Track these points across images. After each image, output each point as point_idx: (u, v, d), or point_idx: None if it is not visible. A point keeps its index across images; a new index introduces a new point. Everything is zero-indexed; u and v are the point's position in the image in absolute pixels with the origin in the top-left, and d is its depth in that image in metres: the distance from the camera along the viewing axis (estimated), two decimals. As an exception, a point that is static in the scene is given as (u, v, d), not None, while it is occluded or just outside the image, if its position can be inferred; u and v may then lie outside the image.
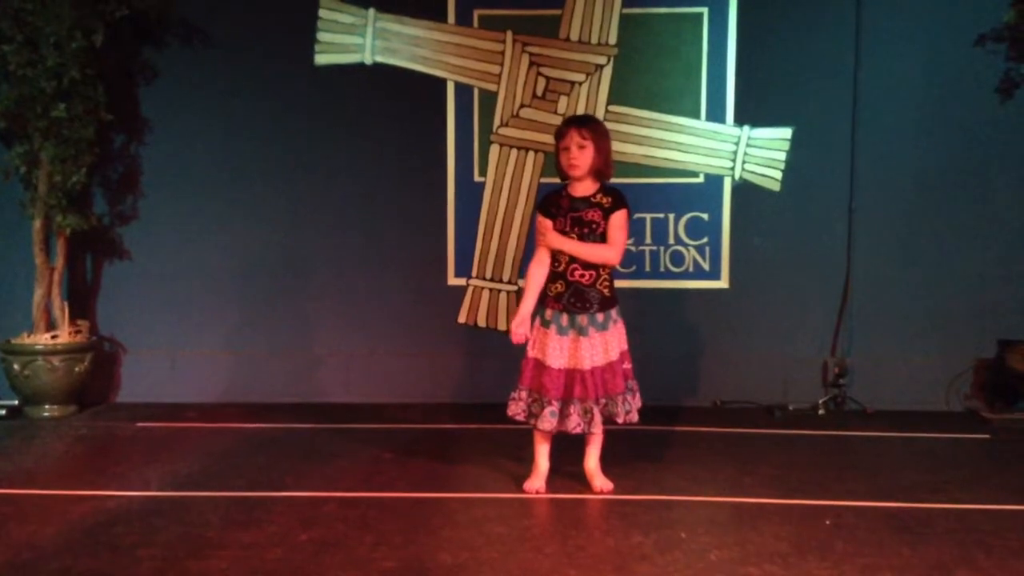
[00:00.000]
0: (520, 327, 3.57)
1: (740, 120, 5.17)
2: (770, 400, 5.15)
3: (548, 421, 3.50)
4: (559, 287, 3.53)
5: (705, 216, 5.25)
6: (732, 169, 5.21)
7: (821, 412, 5.06)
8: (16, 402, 4.98)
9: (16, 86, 4.69)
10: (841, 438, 4.61)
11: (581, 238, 3.53)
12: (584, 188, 3.56)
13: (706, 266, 5.26)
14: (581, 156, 3.51)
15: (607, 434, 3.66)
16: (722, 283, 5.26)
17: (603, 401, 3.53)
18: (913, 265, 5.17)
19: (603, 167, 3.55)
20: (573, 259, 3.52)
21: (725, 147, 5.20)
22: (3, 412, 4.91)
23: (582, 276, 3.53)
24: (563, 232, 3.54)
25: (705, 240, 5.25)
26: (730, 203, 5.23)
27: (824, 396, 5.15)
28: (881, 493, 3.61)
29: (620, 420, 3.55)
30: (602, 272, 3.55)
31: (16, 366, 4.86)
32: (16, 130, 4.82)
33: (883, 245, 5.18)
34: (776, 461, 4.09)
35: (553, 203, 3.60)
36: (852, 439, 4.60)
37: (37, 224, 4.92)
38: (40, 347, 4.87)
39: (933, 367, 5.16)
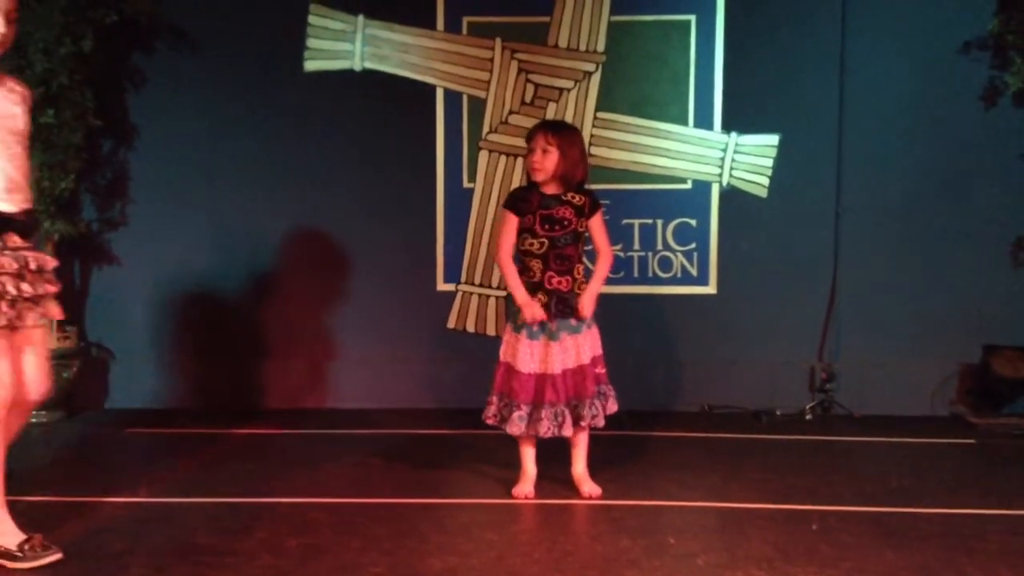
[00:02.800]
0: (530, 307, 3.51)
1: (728, 127, 5.21)
2: (758, 405, 5.17)
3: (516, 425, 3.52)
4: (541, 298, 3.53)
5: (693, 222, 5.27)
6: (720, 175, 5.24)
7: (808, 417, 5.10)
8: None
9: (3, 92, 4.69)
10: (828, 443, 4.64)
11: (551, 237, 3.52)
12: (554, 188, 3.56)
13: (694, 272, 5.29)
14: (544, 160, 3.50)
15: (594, 439, 3.68)
16: (710, 289, 5.29)
17: (574, 403, 3.54)
18: (899, 270, 5.21)
19: (569, 173, 3.53)
20: (547, 267, 3.52)
21: (713, 153, 5.23)
22: None
23: (560, 283, 3.53)
24: (531, 230, 3.52)
25: (693, 246, 5.28)
26: (718, 209, 5.26)
27: (811, 401, 5.18)
28: (867, 498, 3.63)
29: (584, 423, 3.55)
30: (577, 276, 3.56)
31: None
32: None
33: (870, 250, 5.22)
34: (763, 466, 4.12)
35: (522, 199, 3.57)
36: (838, 444, 4.63)
37: (25, 230, 4.91)
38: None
39: (919, 372, 5.20)
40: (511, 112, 5.28)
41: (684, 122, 5.23)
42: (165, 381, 5.33)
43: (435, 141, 5.31)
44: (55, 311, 2.97)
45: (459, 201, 5.33)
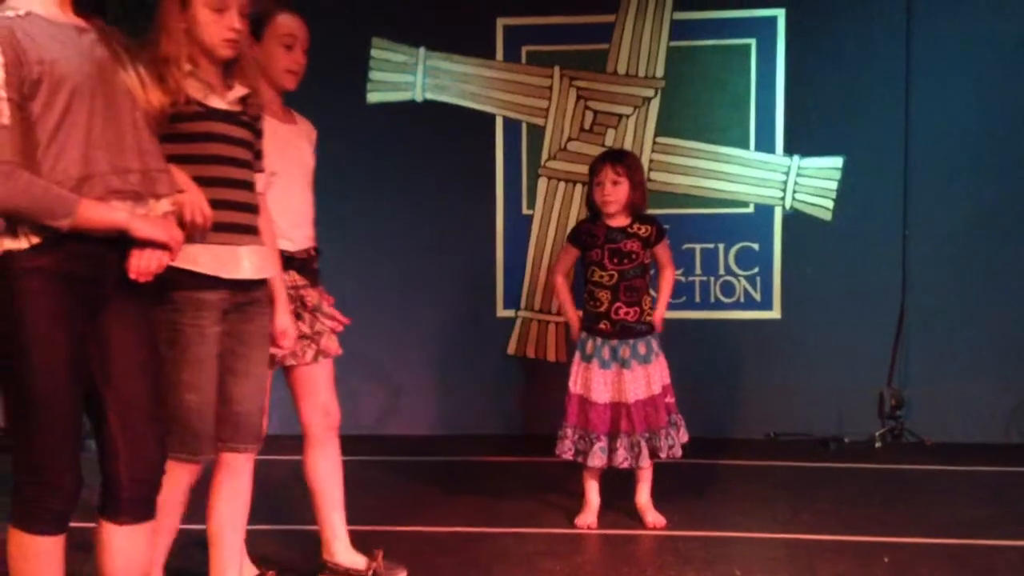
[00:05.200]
0: (574, 325, 3.65)
1: (790, 150, 5.15)
2: (825, 432, 5.07)
3: (598, 458, 3.49)
4: (605, 327, 3.53)
5: (756, 246, 5.22)
6: (782, 199, 5.18)
7: (878, 445, 4.97)
8: None
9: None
10: (899, 472, 4.52)
11: (620, 270, 3.53)
12: (619, 220, 3.57)
13: (757, 296, 5.22)
14: (616, 192, 3.53)
15: (658, 468, 3.64)
16: (774, 313, 5.22)
17: (647, 435, 3.51)
18: (970, 292, 5.08)
19: (638, 201, 3.56)
20: (616, 298, 3.52)
21: (775, 177, 5.18)
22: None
23: (627, 314, 3.53)
24: (599, 264, 3.54)
25: (756, 270, 5.22)
26: (781, 233, 5.19)
27: (881, 428, 5.06)
28: (940, 529, 3.53)
29: (663, 455, 3.52)
30: (645, 307, 3.55)
31: None
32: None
33: (938, 273, 5.10)
34: (832, 496, 4.03)
35: (588, 232, 3.61)
36: (910, 473, 4.51)
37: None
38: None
39: (992, 397, 5.05)
40: (570, 139, 5.29)
41: (745, 146, 5.19)
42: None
43: (494, 169, 5.35)
44: (334, 348, 2.96)
45: (518, 227, 5.36)
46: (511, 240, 5.37)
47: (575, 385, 3.58)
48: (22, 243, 1.94)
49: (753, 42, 5.15)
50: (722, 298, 5.25)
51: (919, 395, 5.10)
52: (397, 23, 5.28)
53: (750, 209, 5.22)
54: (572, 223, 5.30)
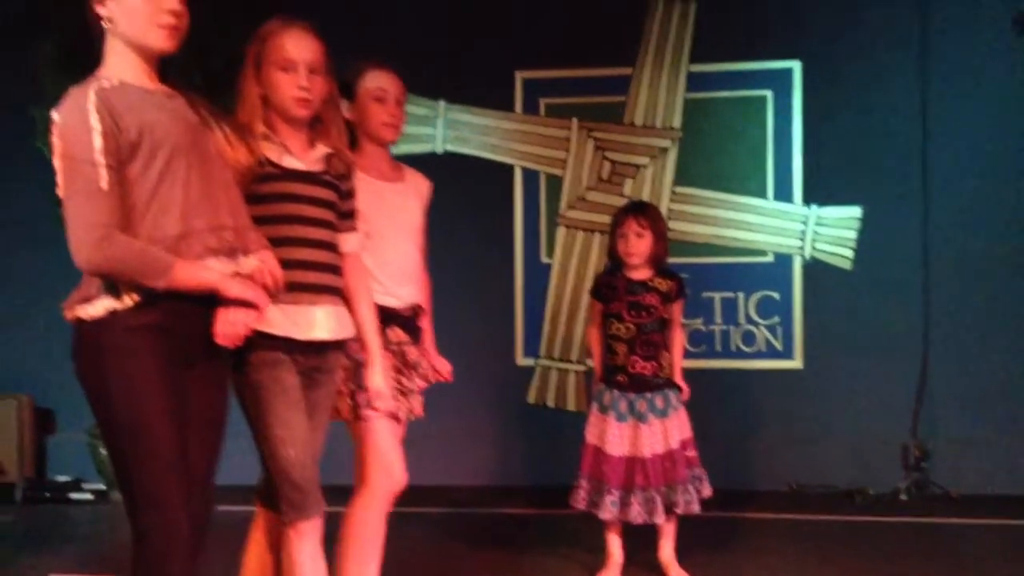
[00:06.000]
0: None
1: (808, 199, 5.16)
2: (849, 484, 5.00)
3: (608, 510, 3.45)
4: (621, 379, 3.51)
5: (776, 295, 5.20)
6: (802, 248, 5.18)
7: (903, 497, 4.90)
8: (103, 486, 5.08)
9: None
10: (925, 525, 4.45)
11: (638, 324, 3.52)
12: (641, 272, 3.57)
13: (778, 346, 5.20)
14: (639, 244, 3.53)
15: (681, 522, 3.59)
16: (795, 363, 5.19)
17: (664, 490, 3.47)
18: (993, 341, 5.03)
19: (661, 253, 3.57)
20: (632, 352, 3.51)
21: (793, 226, 5.18)
22: (91, 496, 5.02)
23: (644, 368, 3.51)
24: (617, 316, 3.54)
25: (777, 319, 5.20)
26: (801, 282, 5.18)
27: (905, 480, 4.99)
28: (971, 587, 3.47)
29: (679, 510, 3.47)
30: (663, 361, 3.54)
31: (102, 450, 4.97)
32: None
33: (961, 322, 5.06)
34: (858, 550, 3.96)
35: (608, 285, 3.61)
36: (937, 526, 4.43)
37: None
38: (123, 432, 4.99)
39: (1018, 448, 4.97)
40: (588, 189, 5.33)
41: (763, 195, 5.20)
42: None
43: (513, 218, 5.38)
44: (419, 408, 2.93)
45: (537, 276, 5.38)
46: (530, 288, 5.38)
47: (591, 436, 3.56)
48: (123, 302, 2.00)
49: (769, 93, 5.19)
50: (743, 347, 5.23)
51: (944, 446, 5.03)
52: (418, 77, 5.32)
53: (769, 258, 5.22)
54: (591, 271, 5.33)
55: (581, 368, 5.30)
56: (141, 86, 2.10)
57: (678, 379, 3.58)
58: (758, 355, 5.21)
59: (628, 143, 5.29)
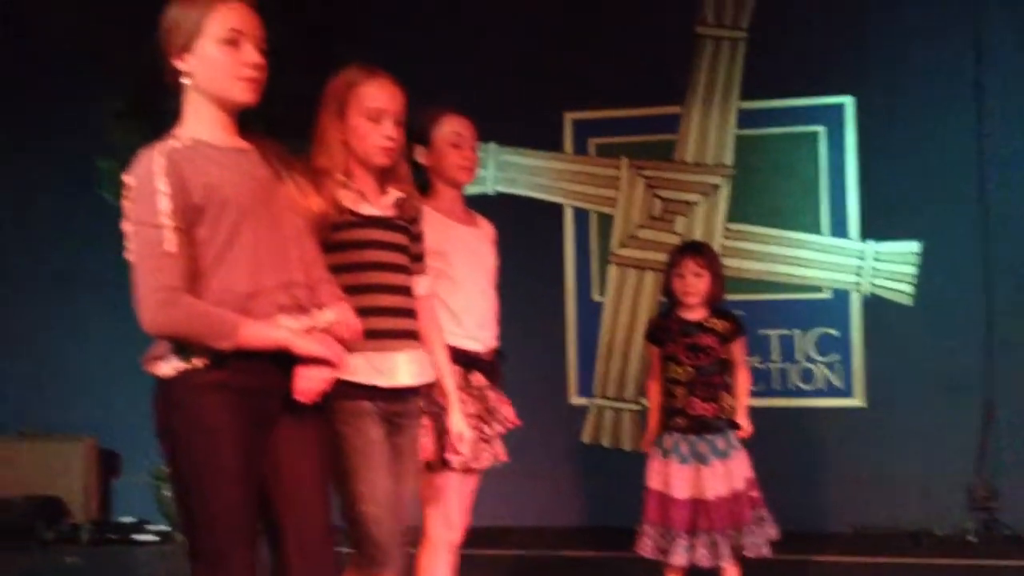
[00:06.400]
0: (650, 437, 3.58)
1: (865, 234, 5.09)
2: (914, 525, 4.86)
3: (680, 556, 3.39)
4: (681, 422, 3.48)
5: (834, 332, 5.12)
6: (859, 284, 5.10)
7: (970, 538, 4.75)
8: (167, 528, 5.15)
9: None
10: (995, 569, 4.31)
11: (696, 366, 3.48)
12: (697, 313, 3.54)
13: (838, 383, 5.10)
14: (697, 284, 3.51)
15: (743, 565, 3.52)
16: (856, 401, 5.09)
17: (730, 533, 3.41)
18: (1062, 376, 4.89)
19: (717, 293, 3.55)
20: (692, 394, 3.47)
21: (850, 262, 5.11)
22: (155, 538, 5.10)
23: (704, 410, 3.47)
24: (674, 358, 3.51)
25: (836, 357, 5.11)
26: (860, 318, 5.10)
27: (972, 520, 4.83)
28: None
29: (749, 553, 3.41)
30: (723, 403, 3.50)
31: (166, 492, 5.04)
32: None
33: (1027, 356, 4.93)
34: (925, 595, 3.85)
35: (662, 328, 3.59)
36: (1006, 569, 4.29)
37: (189, 357, 5.17)
38: (186, 473, 5.06)
39: (1094, 487, 4.80)
40: (639, 226, 5.32)
41: (818, 231, 5.15)
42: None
43: (564, 257, 5.39)
44: (502, 453, 2.90)
45: (589, 314, 5.37)
46: (582, 327, 5.38)
47: (654, 481, 3.51)
48: (192, 363, 2.01)
49: (822, 129, 5.15)
50: (802, 385, 5.15)
51: (1012, 485, 4.87)
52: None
53: (826, 294, 5.15)
54: (644, 309, 5.30)
55: (636, 407, 5.26)
56: (214, 143, 2.10)
57: (741, 418, 3.53)
58: (818, 393, 5.13)
59: (679, 180, 5.28)
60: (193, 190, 2.01)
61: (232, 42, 2.08)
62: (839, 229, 5.13)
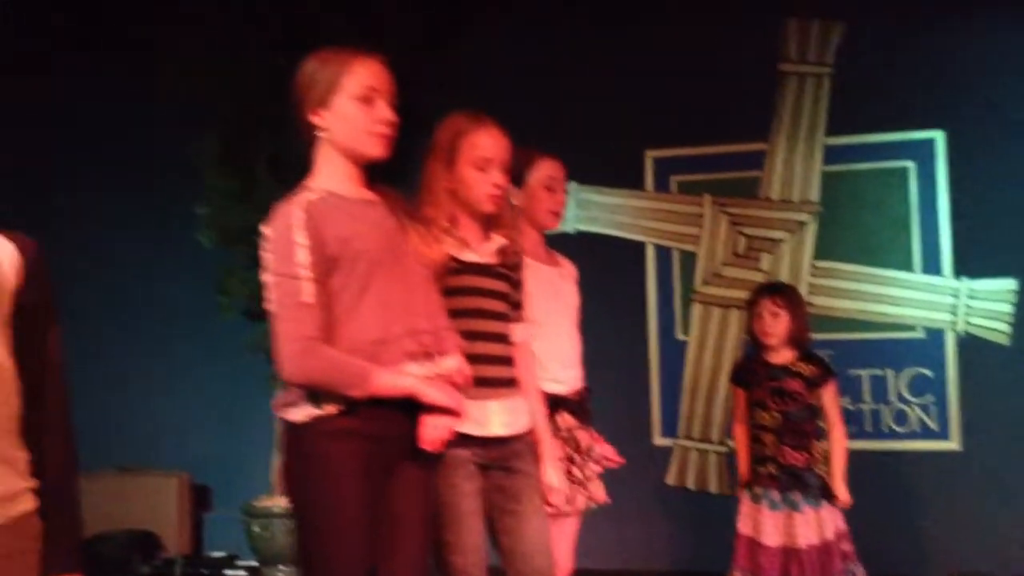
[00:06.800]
0: (743, 481, 3.52)
1: (959, 272, 4.93)
2: (1012, 572, 4.63)
3: (770, 603, 3.32)
4: (771, 469, 3.41)
5: (928, 372, 4.95)
6: (953, 322, 4.94)
7: (1082, 590, 4.51)
8: (256, 563, 5.23)
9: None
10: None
11: (784, 411, 3.41)
12: (782, 355, 3.48)
13: (933, 426, 4.92)
14: (775, 324, 3.46)
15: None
16: (952, 444, 4.90)
17: None
18: None
19: (800, 334, 3.47)
20: (782, 440, 3.40)
21: (943, 300, 4.95)
22: (245, 573, 5.19)
23: (796, 459, 3.39)
24: (761, 404, 3.44)
25: (930, 398, 4.94)
26: (955, 358, 4.92)
27: (1083, 570, 4.59)
28: None
29: None
30: (816, 453, 3.41)
31: (256, 528, 5.13)
32: (262, 309, 5.23)
33: None
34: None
35: (748, 370, 3.54)
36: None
37: (278, 394, 5.28)
38: (278, 509, 5.12)
39: None
40: (723, 264, 5.26)
41: (909, 268, 5.00)
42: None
43: (646, 295, 5.36)
44: (601, 494, 2.90)
45: (673, 353, 5.31)
46: (666, 366, 5.31)
47: (744, 527, 3.44)
48: (324, 410, 2.08)
49: (912, 165, 5.02)
50: (895, 427, 4.98)
51: None
52: (561, 163, 5.44)
53: (919, 334, 4.99)
54: (729, 348, 5.22)
55: (722, 449, 5.16)
56: (345, 195, 2.19)
57: (838, 486, 3.40)
58: (912, 435, 4.95)
59: (764, 218, 5.21)
60: (329, 242, 2.09)
61: (367, 100, 2.17)
62: (932, 266, 4.98)
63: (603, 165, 5.40)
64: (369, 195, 2.23)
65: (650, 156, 5.38)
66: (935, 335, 4.96)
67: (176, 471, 5.57)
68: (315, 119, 2.17)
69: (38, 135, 5.71)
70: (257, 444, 5.56)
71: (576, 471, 2.77)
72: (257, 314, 5.33)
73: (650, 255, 5.37)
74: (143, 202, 5.71)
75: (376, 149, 2.18)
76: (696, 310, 5.30)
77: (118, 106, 5.60)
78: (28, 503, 1.63)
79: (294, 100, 2.21)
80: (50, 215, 5.56)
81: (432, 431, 2.10)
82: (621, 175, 5.39)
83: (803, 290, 4.94)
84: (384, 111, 2.17)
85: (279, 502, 5.20)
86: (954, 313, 4.94)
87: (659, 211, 5.36)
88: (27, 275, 1.64)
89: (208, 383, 5.63)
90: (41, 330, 1.67)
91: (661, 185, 5.36)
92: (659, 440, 5.30)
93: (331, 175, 2.19)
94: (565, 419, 2.76)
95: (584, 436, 2.83)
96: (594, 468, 2.84)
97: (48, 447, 1.66)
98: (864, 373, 5.02)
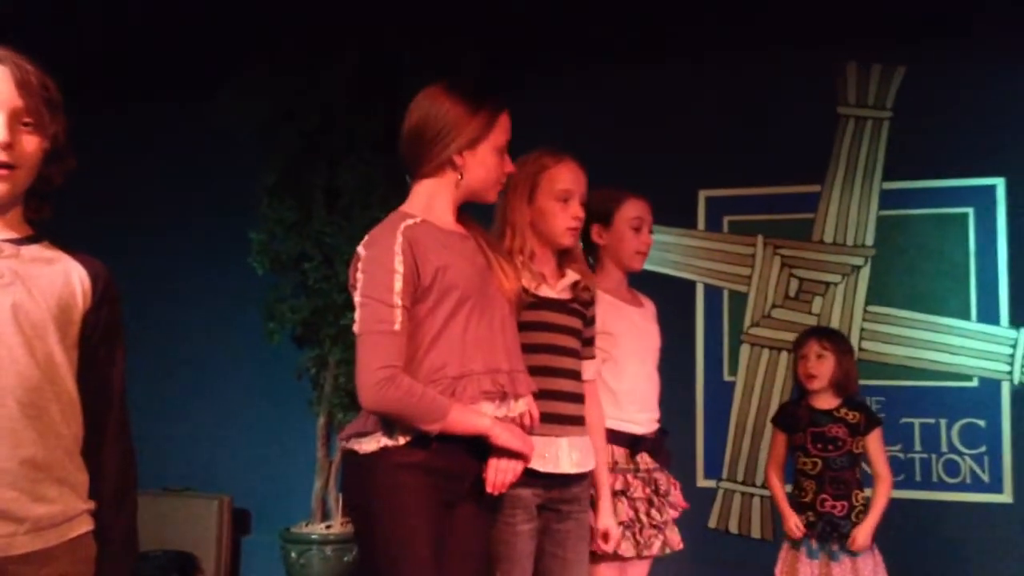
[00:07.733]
0: (790, 519, 3.40)
1: (1017, 322, 4.82)
2: (1074, 637, 4.48)
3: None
4: (810, 517, 3.35)
5: (982, 423, 4.84)
6: (1010, 373, 4.82)
7: None
8: (292, 589, 5.25)
9: (312, 298, 5.19)
10: None
11: (825, 458, 3.35)
12: (826, 400, 3.42)
13: (985, 478, 4.80)
14: (820, 366, 3.41)
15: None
16: (1005, 497, 4.76)
17: None
18: None
19: (845, 379, 3.40)
20: (821, 489, 3.33)
21: (1001, 349, 4.84)
22: (278, 599, 5.20)
23: (833, 507, 3.33)
24: (803, 449, 3.39)
25: (983, 449, 4.82)
26: (1010, 409, 4.80)
27: None
28: None
29: None
30: (855, 503, 3.34)
31: (293, 554, 5.15)
32: (309, 336, 5.31)
33: None
34: None
35: (790, 414, 3.49)
36: None
37: (321, 421, 5.31)
38: (315, 536, 5.15)
39: None
40: (774, 306, 5.20)
41: (966, 316, 4.90)
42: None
43: (695, 334, 5.31)
44: (676, 540, 2.88)
45: (720, 394, 5.24)
46: (711, 407, 5.25)
47: (781, 572, 3.39)
48: (396, 440, 2.08)
49: (971, 211, 4.94)
50: (945, 478, 4.86)
51: None
52: (649, 204, 5.42)
53: (974, 383, 4.88)
54: (777, 391, 5.15)
55: (766, 493, 5.06)
56: (441, 225, 2.20)
57: (860, 528, 3.31)
58: (963, 487, 4.83)
59: (817, 260, 5.15)
60: (424, 272, 2.10)
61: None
62: (989, 315, 4.88)
63: (656, 203, 5.34)
64: (460, 228, 2.24)
65: (703, 195, 5.36)
66: (990, 385, 4.85)
67: (219, 494, 5.60)
68: (457, 158, 2.18)
69: (105, 161, 5.84)
70: (299, 469, 5.58)
71: (655, 514, 2.71)
72: (303, 340, 5.38)
73: (700, 294, 5.33)
74: (200, 225, 5.80)
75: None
76: (744, 351, 5.24)
77: (183, 134, 5.72)
78: (85, 525, 1.64)
79: (424, 133, 2.19)
80: (110, 237, 5.68)
81: (499, 475, 2.10)
82: (673, 214, 5.36)
83: (855, 335, 4.87)
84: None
85: (318, 529, 5.20)
86: (1011, 363, 4.82)
87: (711, 250, 5.33)
88: (97, 299, 1.67)
89: (252, 407, 5.68)
90: (107, 354, 1.69)
91: (713, 224, 5.33)
92: (702, 482, 5.23)
93: (426, 205, 2.20)
94: (645, 460, 2.72)
95: (663, 479, 2.78)
96: (671, 513, 2.78)
97: (108, 471, 1.68)
98: (915, 421, 4.91)
